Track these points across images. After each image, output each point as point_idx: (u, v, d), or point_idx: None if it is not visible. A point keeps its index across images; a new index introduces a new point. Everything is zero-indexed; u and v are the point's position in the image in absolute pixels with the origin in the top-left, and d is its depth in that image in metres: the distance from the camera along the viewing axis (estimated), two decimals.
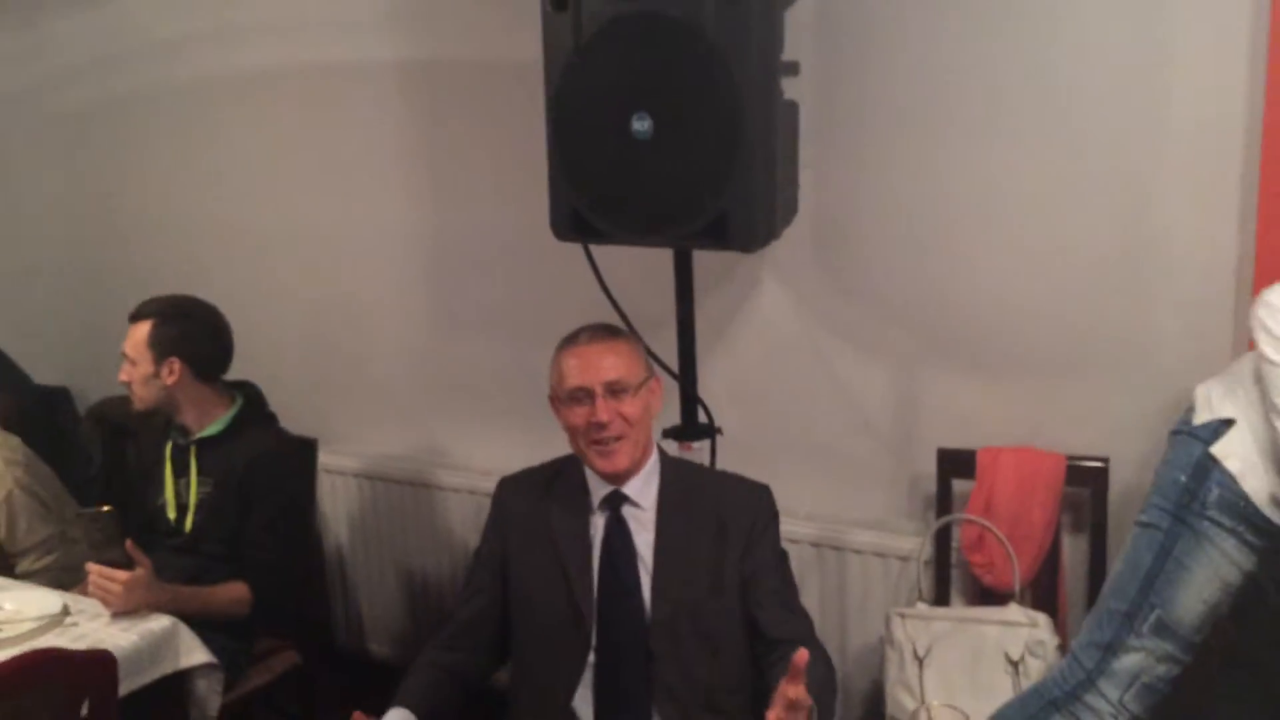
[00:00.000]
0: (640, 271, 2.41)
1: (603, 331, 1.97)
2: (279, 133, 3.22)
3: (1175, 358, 2.17)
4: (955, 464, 2.35)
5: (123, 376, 2.56)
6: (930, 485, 2.40)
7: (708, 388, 2.45)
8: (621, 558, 1.94)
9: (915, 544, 2.40)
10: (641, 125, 2.08)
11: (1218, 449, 1.85)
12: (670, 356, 2.35)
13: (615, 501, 1.96)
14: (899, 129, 2.36)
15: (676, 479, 2.00)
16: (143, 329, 2.53)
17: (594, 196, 2.18)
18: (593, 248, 2.36)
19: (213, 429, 2.57)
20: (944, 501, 2.37)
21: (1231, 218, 2.12)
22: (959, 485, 2.37)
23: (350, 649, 3.32)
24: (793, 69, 2.22)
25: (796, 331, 2.55)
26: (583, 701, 1.91)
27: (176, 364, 2.51)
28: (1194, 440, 1.89)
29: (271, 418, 2.68)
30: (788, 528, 2.19)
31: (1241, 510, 1.82)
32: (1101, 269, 2.23)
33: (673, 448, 2.32)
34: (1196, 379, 1.93)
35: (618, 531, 1.95)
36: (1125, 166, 2.19)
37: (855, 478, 2.53)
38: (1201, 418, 1.89)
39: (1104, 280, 2.24)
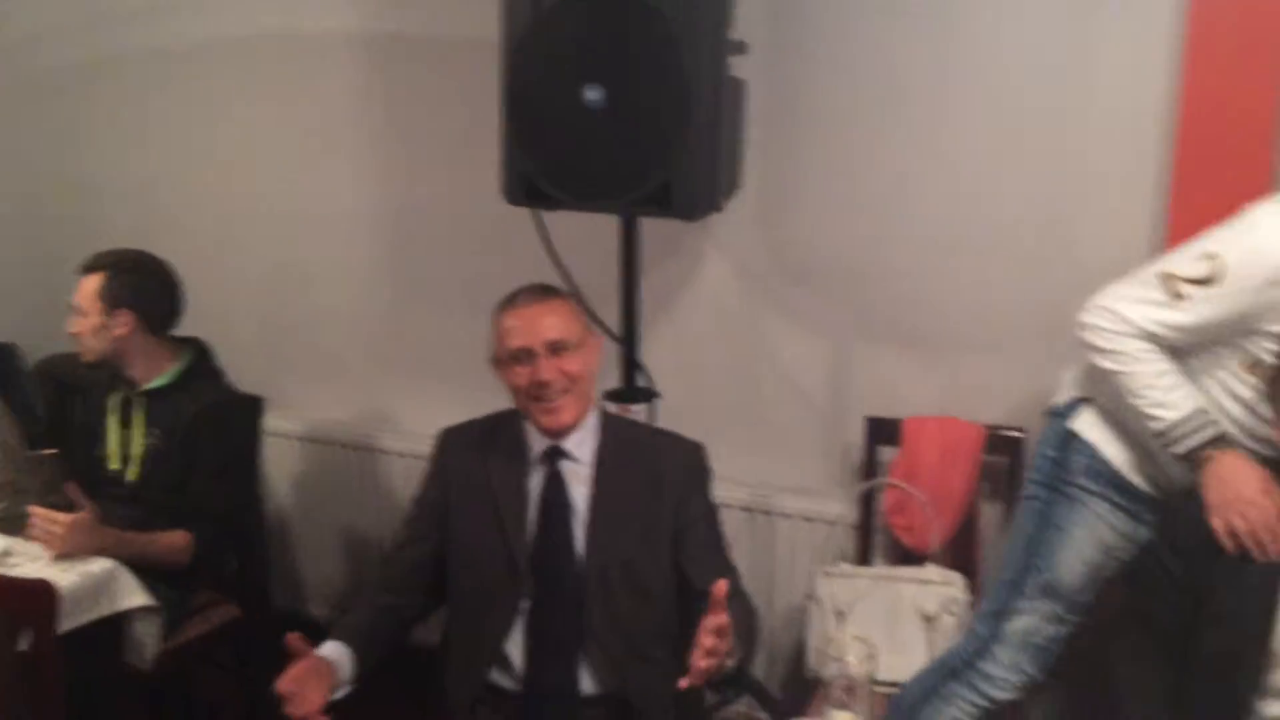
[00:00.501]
0: (588, 242, 2.48)
1: (541, 292, 2.03)
2: (234, 101, 3.25)
3: None
4: (882, 432, 2.46)
5: (73, 328, 2.58)
6: (858, 453, 2.51)
7: (650, 354, 2.52)
8: (557, 511, 2.01)
9: (842, 508, 2.50)
10: (594, 95, 2.15)
11: (1076, 424, 2.01)
12: (616, 323, 2.42)
13: (553, 456, 2.02)
14: (841, 111, 2.47)
15: (615, 435, 2.07)
16: (94, 281, 2.56)
17: (545, 163, 2.25)
18: (543, 219, 2.43)
19: (160, 381, 2.60)
20: (870, 468, 2.48)
21: (1145, 206, 2.25)
22: (885, 453, 2.48)
23: (289, 611, 3.35)
24: (741, 48, 2.31)
25: (736, 303, 2.65)
26: (515, 646, 1.98)
27: (127, 316, 2.54)
28: (1057, 418, 2.05)
29: (219, 373, 2.72)
30: (721, 492, 2.26)
31: (1107, 476, 1.98)
32: (1023, 253, 2.35)
33: (613, 410, 2.40)
34: None
35: (555, 485, 2.02)
36: (1048, 155, 2.31)
37: (787, 445, 2.64)
38: (1061, 398, 2.05)
39: (1025, 264, 2.35)
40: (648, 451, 2.05)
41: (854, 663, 1.64)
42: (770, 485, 2.63)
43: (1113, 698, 1.86)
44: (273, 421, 3.04)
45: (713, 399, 2.69)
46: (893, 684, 2.14)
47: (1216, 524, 1.77)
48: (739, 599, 1.92)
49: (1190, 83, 2.17)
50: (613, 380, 2.45)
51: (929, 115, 2.39)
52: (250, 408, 2.81)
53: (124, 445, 2.60)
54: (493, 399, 2.13)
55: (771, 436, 2.65)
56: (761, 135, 2.48)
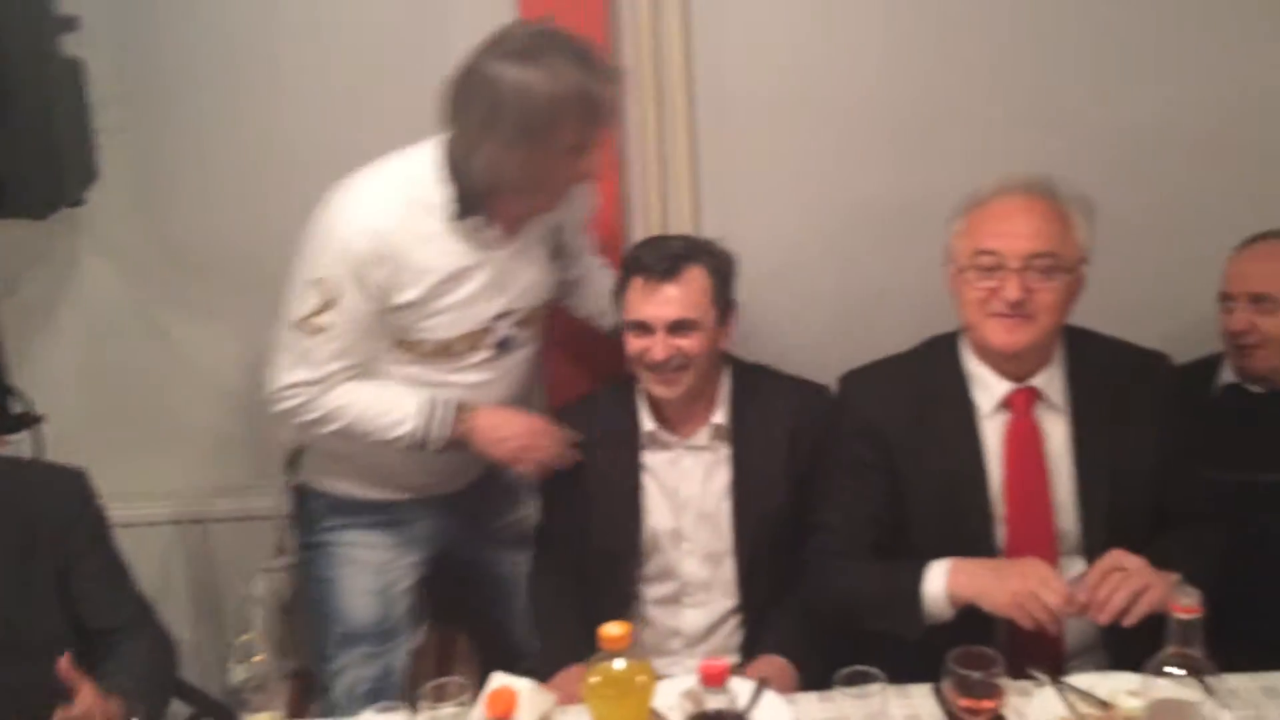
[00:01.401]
0: None
1: None
2: None
3: None
4: None
5: None
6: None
7: (30, 376, 2.26)
8: None
9: (276, 501, 2.39)
10: None
11: (299, 478, 2.11)
12: None
13: None
14: (203, 83, 2.29)
15: None
16: None
17: None
18: None
19: None
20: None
21: None
22: None
23: None
24: (72, 24, 2.09)
25: (129, 305, 2.40)
26: None
27: None
28: (285, 481, 2.14)
29: None
30: (141, 510, 2.09)
31: (344, 506, 2.05)
32: None
33: None
34: None
35: None
36: (408, 111, 2.28)
37: (209, 446, 2.46)
38: (282, 462, 2.13)
39: None
40: (12, 491, 1.79)
41: (258, 661, 1.57)
42: (198, 491, 2.46)
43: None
44: None
45: (116, 412, 2.43)
46: None
47: (520, 469, 1.98)
48: (139, 640, 1.79)
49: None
50: None
51: (293, 79, 2.29)
52: None
53: None
54: None
55: (191, 440, 2.46)
56: (120, 118, 2.25)
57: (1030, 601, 1.58)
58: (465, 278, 1.85)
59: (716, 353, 1.94)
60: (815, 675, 1.72)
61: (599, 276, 2.14)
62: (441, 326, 1.87)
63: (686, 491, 1.96)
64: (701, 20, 2.23)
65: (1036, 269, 1.69)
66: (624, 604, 1.96)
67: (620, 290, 1.93)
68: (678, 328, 1.86)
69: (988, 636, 1.64)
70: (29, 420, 2.17)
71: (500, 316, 1.91)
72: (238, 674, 1.59)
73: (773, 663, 1.87)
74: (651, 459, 1.97)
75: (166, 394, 2.44)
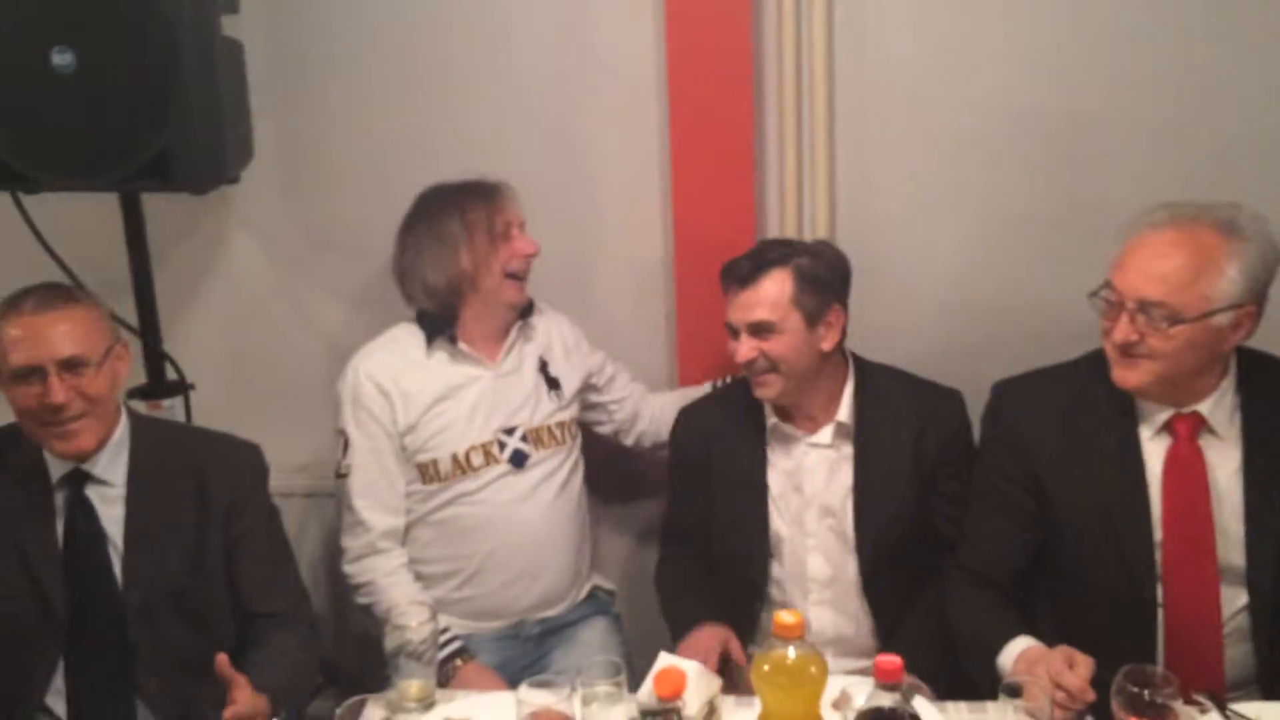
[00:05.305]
0: (90, 227, 2.23)
1: (54, 295, 1.75)
2: None
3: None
4: None
5: None
6: None
7: (181, 346, 2.34)
8: (87, 541, 1.79)
9: None
10: (63, 60, 1.92)
11: None
12: (133, 314, 2.21)
13: (77, 480, 1.79)
14: (348, 71, 2.35)
15: (150, 445, 1.86)
16: None
17: (14, 139, 1.97)
18: (29, 200, 2.14)
19: None
20: None
21: (652, 146, 2.32)
22: None
23: None
24: (233, 5, 2.15)
25: (272, 282, 2.47)
26: (58, 696, 1.76)
27: None
28: None
29: None
30: (280, 482, 2.12)
31: None
32: (551, 208, 2.30)
33: (144, 410, 2.16)
34: None
35: (81, 513, 1.79)
36: (560, 113, 2.33)
37: None
38: None
39: (553, 219, 2.30)
40: (192, 457, 1.87)
41: (416, 627, 1.60)
42: (331, 466, 2.51)
43: None
44: None
45: (259, 386, 2.49)
46: None
47: None
48: (291, 632, 1.82)
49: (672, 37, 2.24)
50: (138, 376, 2.21)
51: (438, 71, 2.33)
52: None
53: None
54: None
55: (326, 416, 2.51)
56: (275, 102, 2.31)
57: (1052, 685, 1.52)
58: (454, 396, 2.07)
59: (817, 353, 1.94)
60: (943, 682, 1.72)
61: (644, 403, 2.30)
62: (448, 441, 2.05)
63: (811, 488, 1.98)
64: (844, 21, 2.21)
65: (1150, 315, 1.62)
66: (751, 600, 1.98)
67: None
68: (757, 330, 1.92)
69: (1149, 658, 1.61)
70: (181, 387, 2.24)
71: (505, 431, 2.09)
72: (392, 640, 1.62)
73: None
74: (775, 455, 2.00)
75: (306, 369, 2.48)
